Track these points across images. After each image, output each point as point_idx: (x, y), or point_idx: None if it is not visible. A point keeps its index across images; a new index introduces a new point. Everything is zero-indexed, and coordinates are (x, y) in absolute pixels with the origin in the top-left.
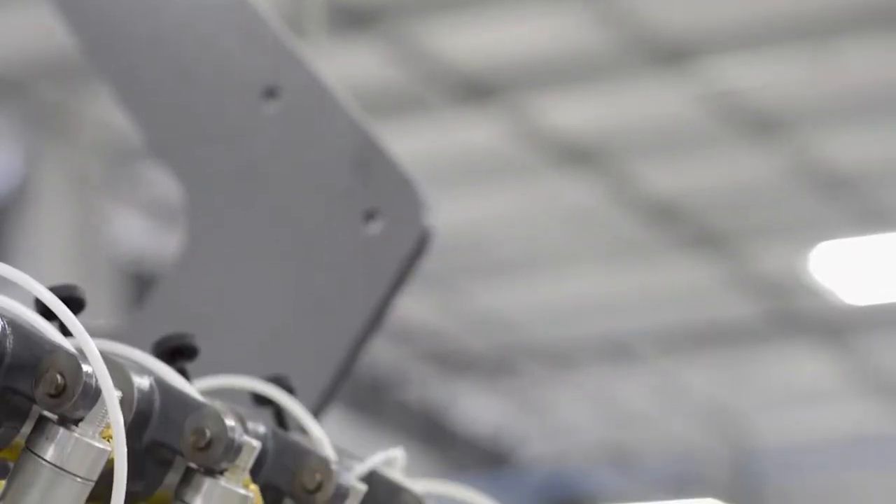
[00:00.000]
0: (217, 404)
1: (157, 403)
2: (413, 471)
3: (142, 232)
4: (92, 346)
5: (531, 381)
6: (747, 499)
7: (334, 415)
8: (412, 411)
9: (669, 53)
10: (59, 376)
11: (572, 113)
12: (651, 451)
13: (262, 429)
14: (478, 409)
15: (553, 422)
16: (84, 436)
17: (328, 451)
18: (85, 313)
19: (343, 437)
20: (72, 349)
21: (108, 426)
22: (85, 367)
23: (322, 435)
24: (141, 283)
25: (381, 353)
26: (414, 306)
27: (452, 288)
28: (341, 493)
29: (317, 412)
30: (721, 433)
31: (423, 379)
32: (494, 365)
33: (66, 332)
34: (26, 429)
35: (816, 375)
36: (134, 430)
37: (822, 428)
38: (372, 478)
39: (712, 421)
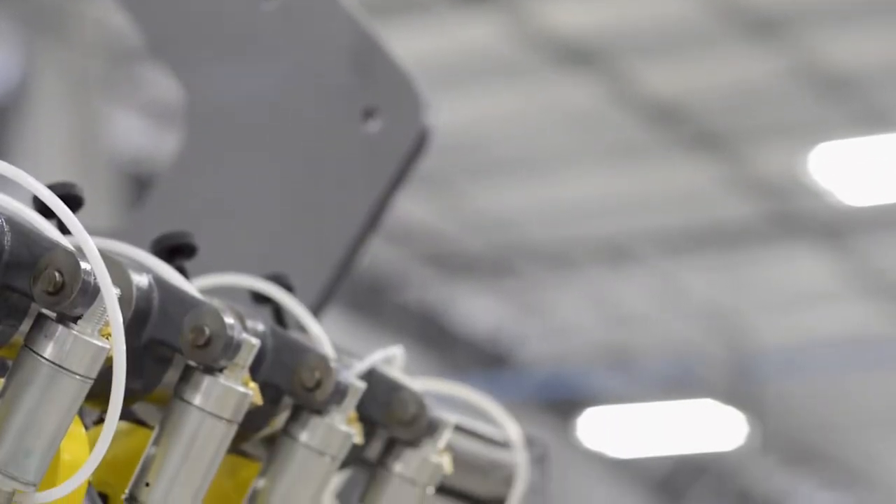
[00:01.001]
0: (216, 302)
1: (155, 301)
2: (412, 371)
3: (140, 133)
4: (90, 244)
5: (530, 282)
6: (745, 400)
7: (333, 316)
8: (411, 312)
9: None
10: (57, 274)
11: (573, 13)
12: (650, 353)
13: (261, 327)
14: (477, 309)
15: (552, 323)
16: (83, 333)
17: (327, 349)
18: (84, 214)
19: (342, 338)
20: (70, 247)
21: (106, 324)
22: (83, 265)
23: (321, 333)
24: (139, 184)
25: (381, 255)
26: (413, 207)
27: (452, 189)
28: (340, 391)
29: (316, 311)
30: (720, 334)
31: (423, 280)
32: (494, 266)
33: (64, 230)
34: (25, 327)
35: (815, 277)
36: (133, 327)
37: (820, 329)
38: (371, 376)
39: (711, 322)
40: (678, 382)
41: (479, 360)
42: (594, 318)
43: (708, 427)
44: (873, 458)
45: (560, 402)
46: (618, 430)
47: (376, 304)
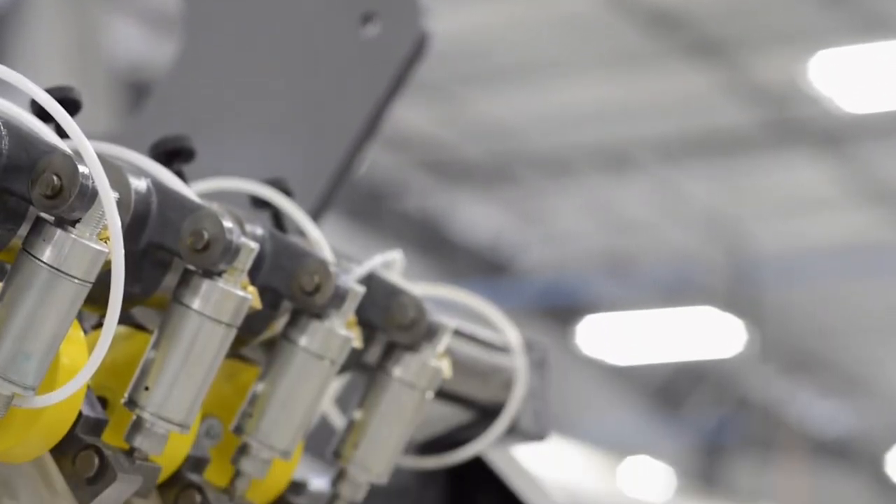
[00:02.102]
0: (215, 206)
1: (154, 205)
2: (412, 279)
3: (139, 39)
4: (88, 147)
5: (530, 190)
6: (744, 307)
7: (333, 223)
8: (411, 220)
9: None
10: (55, 177)
11: None
12: (649, 260)
13: (259, 231)
14: (476, 217)
15: (551, 230)
16: (81, 237)
17: (326, 254)
18: (82, 121)
19: (341, 245)
20: (68, 151)
21: (105, 228)
22: (81, 168)
23: (320, 237)
24: (138, 92)
25: (380, 162)
26: (413, 115)
27: (451, 96)
28: (340, 295)
29: (315, 216)
30: (719, 241)
31: (422, 188)
32: (493, 173)
33: (62, 134)
34: (23, 230)
35: (814, 184)
36: (131, 231)
37: (819, 236)
38: (370, 280)
39: (710, 229)
40: (677, 289)
41: (479, 267)
42: (593, 226)
43: (707, 334)
44: (871, 365)
45: (559, 310)
46: (617, 338)
47: (376, 212)
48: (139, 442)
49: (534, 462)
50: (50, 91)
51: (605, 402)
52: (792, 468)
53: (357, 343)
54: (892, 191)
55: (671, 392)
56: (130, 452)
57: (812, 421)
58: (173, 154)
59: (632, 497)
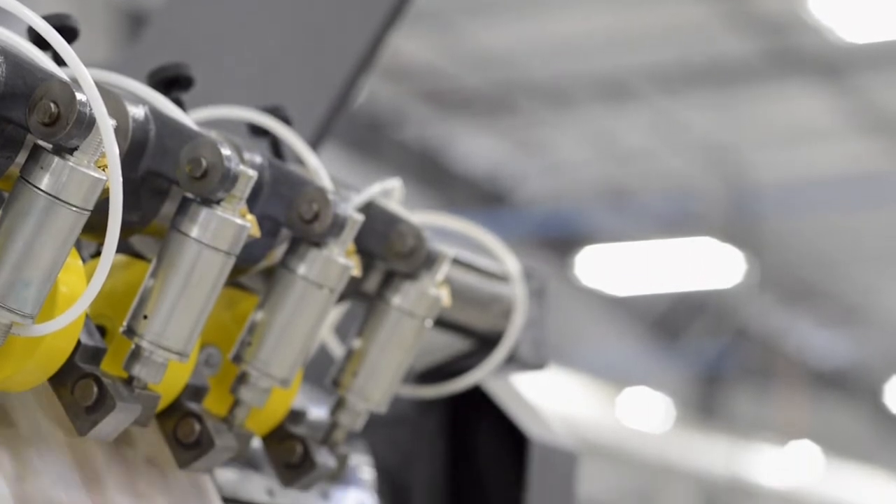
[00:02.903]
0: (213, 134)
1: (152, 133)
2: (410, 209)
3: None
4: (86, 75)
5: (529, 120)
6: (744, 237)
7: (331, 153)
8: (410, 150)
9: None
10: (52, 105)
11: None
12: (648, 190)
13: (258, 159)
14: (475, 147)
15: (551, 160)
16: (79, 165)
17: (325, 182)
18: (80, 49)
19: (340, 176)
20: (66, 78)
21: (103, 156)
22: (79, 96)
23: (319, 165)
24: (136, 22)
25: (379, 92)
26: (412, 44)
27: (450, 25)
28: (338, 223)
29: (313, 145)
30: (718, 172)
31: (421, 118)
32: (492, 103)
33: (60, 62)
34: (21, 158)
35: (814, 114)
36: (129, 159)
37: (819, 166)
38: (369, 209)
39: (709, 159)
40: (676, 220)
41: (478, 198)
42: (593, 156)
43: (706, 264)
44: (870, 295)
45: (558, 241)
46: (616, 268)
47: (374, 142)
48: (138, 370)
49: (533, 392)
50: (48, 19)
51: (604, 333)
52: (791, 398)
53: (356, 271)
54: (891, 121)
55: (670, 322)
56: (129, 381)
57: (811, 351)
58: (171, 82)
59: (631, 427)
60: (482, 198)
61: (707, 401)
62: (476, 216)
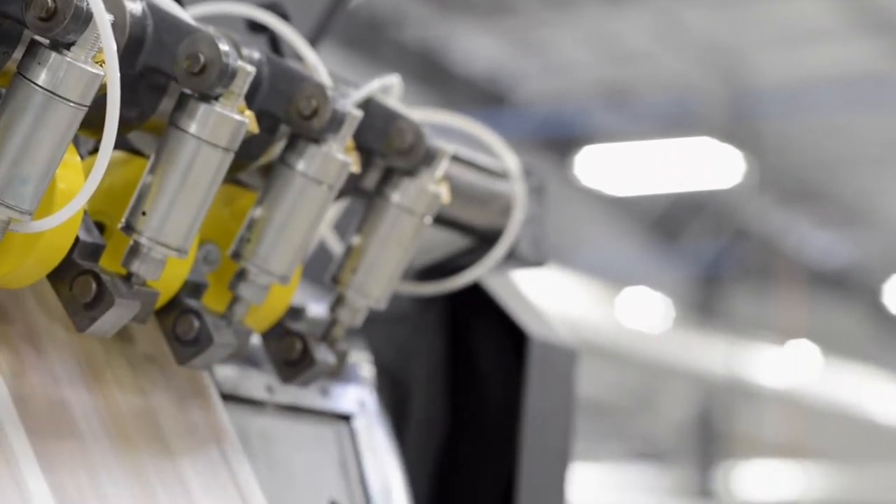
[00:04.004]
0: (211, 30)
1: (149, 28)
2: (410, 108)
3: None
4: None
5: (529, 20)
6: (743, 137)
7: (330, 54)
8: (409, 50)
9: None
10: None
11: None
12: (648, 90)
13: (256, 55)
14: (475, 47)
15: (551, 60)
16: (76, 60)
17: (324, 78)
18: None
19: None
20: None
21: (100, 51)
22: None
23: (317, 61)
24: None
25: None
26: None
27: None
28: (337, 119)
29: (312, 42)
30: (719, 72)
31: (421, 17)
32: (492, 2)
33: None
34: (18, 54)
35: (816, 13)
36: (127, 55)
37: (820, 67)
38: (368, 105)
39: (710, 59)
40: (676, 120)
41: (478, 98)
42: (592, 56)
43: (705, 165)
44: (870, 196)
45: (558, 141)
46: (615, 168)
47: (374, 42)
48: (136, 267)
49: (532, 292)
50: None
51: (604, 233)
52: (790, 298)
53: (355, 168)
54: (894, 21)
55: (669, 222)
56: (128, 278)
57: (810, 251)
58: None
59: (630, 327)
60: (482, 98)
61: (706, 301)
62: (476, 116)
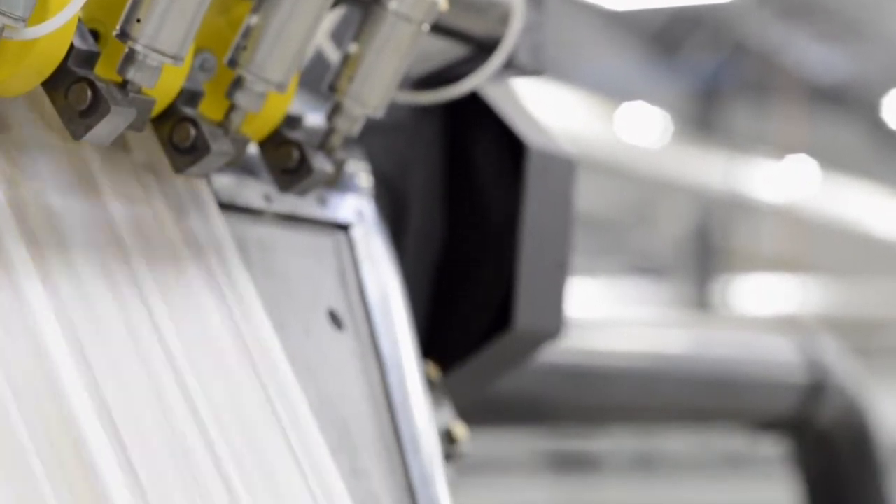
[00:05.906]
0: None
1: None
2: None
3: None
4: None
5: None
6: None
7: None
8: None
9: None
10: None
11: None
12: None
13: None
14: None
15: None
16: None
17: None
18: None
19: None
20: None
21: None
22: None
23: None
24: None
25: None
26: None
27: None
28: None
29: None
30: None
31: None
32: None
33: None
34: None
35: None
36: None
37: None
38: None
39: None
40: None
41: None
42: None
43: None
44: (870, 10)
45: None
46: None
47: None
48: (132, 74)
49: (531, 105)
50: None
51: (602, 48)
52: (788, 113)
53: None
54: None
55: (668, 37)
56: (123, 85)
57: (809, 66)
58: None
59: (628, 142)
60: None
61: (705, 115)
62: None
